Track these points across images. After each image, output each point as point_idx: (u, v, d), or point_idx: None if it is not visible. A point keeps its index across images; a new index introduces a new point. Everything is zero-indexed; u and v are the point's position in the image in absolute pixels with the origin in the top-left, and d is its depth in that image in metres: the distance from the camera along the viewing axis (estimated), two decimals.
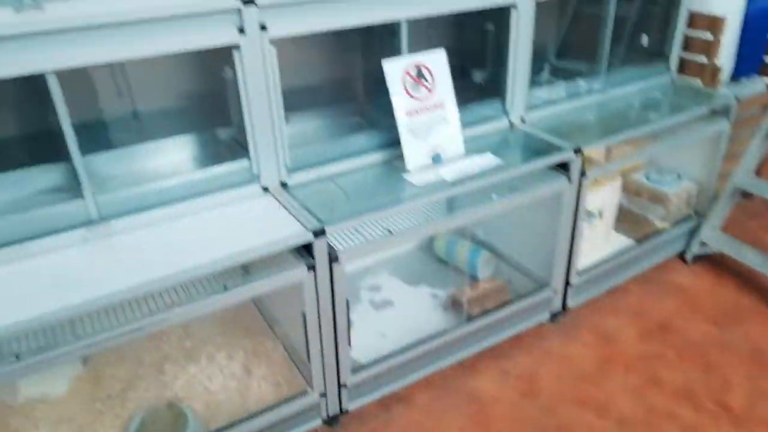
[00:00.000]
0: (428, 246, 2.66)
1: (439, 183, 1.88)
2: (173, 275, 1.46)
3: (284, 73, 1.73)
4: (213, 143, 1.96)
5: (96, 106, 1.79)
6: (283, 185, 1.86)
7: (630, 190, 2.79)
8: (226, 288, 1.56)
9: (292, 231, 1.63)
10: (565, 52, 2.73)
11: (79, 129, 1.54)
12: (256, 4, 1.60)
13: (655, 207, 2.72)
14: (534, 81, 2.32)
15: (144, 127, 1.88)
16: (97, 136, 1.81)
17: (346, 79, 2.25)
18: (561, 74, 2.67)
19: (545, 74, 2.68)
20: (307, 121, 2.16)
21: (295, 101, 1.98)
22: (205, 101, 1.94)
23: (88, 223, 1.62)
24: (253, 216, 1.74)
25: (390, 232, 1.79)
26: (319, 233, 1.63)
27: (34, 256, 1.55)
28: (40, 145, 1.72)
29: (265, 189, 1.83)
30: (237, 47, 1.63)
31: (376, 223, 1.81)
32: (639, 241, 2.60)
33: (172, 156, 1.91)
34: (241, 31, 1.61)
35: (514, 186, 2.01)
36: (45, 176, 1.74)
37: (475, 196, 1.93)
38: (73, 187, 1.64)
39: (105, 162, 1.82)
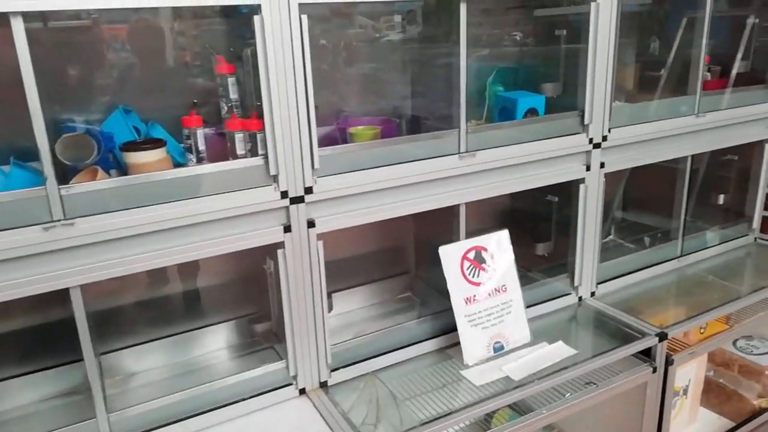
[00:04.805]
0: None
1: (504, 381, 1.62)
2: None
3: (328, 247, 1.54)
4: (248, 334, 1.77)
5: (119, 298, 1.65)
6: (323, 385, 1.62)
7: (716, 360, 2.44)
8: None
9: None
10: (632, 205, 2.52)
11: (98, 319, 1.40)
12: None
13: (748, 382, 2.35)
14: (602, 246, 2.09)
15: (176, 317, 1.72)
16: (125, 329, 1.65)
17: (395, 249, 2.06)
18: (629, 231, 2.44)
19: (612, 236, 2.45)
20: (351, 303, 1.95)
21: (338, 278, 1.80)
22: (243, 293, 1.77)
23: None
24: (285, 428, 1.49)
25: None
26: None
27: None
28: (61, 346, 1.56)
29: (302, 391, 1.60)
30: None
31: None
32: (738, 423, 2.23)
33: (203, 349, 1.73)
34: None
35: (589, 377, 1.73)
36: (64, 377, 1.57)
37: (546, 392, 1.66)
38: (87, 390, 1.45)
39: (129, 356, 1.64)
